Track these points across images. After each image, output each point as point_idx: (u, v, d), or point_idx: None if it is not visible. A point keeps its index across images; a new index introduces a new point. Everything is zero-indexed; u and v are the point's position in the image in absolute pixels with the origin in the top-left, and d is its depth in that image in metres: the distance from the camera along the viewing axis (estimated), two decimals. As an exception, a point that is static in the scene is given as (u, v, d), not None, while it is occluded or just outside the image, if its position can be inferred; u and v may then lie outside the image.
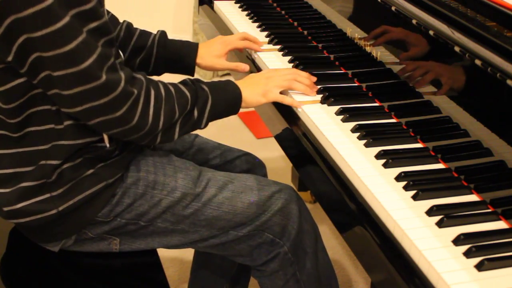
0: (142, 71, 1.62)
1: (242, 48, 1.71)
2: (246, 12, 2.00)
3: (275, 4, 2.05)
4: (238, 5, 2.06)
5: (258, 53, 1.70)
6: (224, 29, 1.97)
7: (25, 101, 1.22)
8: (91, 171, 1.28)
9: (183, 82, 1.36)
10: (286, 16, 1.97)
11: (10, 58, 1.14)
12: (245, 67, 1.63)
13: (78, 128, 1.25)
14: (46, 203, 1.26)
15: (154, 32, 1.62)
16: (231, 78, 1.66)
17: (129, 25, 1.60)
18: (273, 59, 1.68)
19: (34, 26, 1.09)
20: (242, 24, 1.92)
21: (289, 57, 1.68)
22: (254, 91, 1.42)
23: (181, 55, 1.61)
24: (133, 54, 1.59)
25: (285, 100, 1.44)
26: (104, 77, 1.16)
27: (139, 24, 1.58)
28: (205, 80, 1.39)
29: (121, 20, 1.59)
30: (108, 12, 1.56)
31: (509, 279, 0.98)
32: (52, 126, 1.24)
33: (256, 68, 1.69)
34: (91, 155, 1.28)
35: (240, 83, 1.43)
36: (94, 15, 1.15)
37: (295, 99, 1.44)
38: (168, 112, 1.27)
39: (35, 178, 1.25)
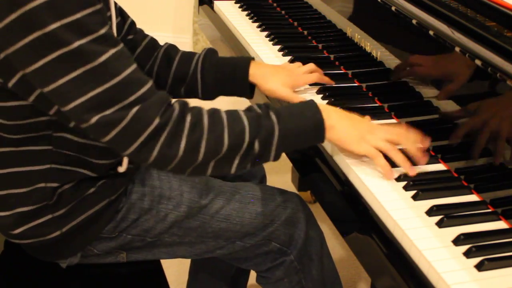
0: (191, 97, 1.48)
1: (311, 83, 1.52)
2: (246, 12, 2.00)
3: (275, 4, 2.04)
4: (238, 5, 2.06)
5: (257, 52, 1.69)
6: (224, 29, 1.97)
7: (26, 123, 1.18)
8: (92, 189, 1.25)
9: (248, 109, 1.19)
10: (286, 16, 1.96)
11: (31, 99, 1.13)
12: None
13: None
14: (49, 225, 1.24)
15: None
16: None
17: (168, 51, 1.48)
18: (272, 57, 1.67)
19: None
20: (242, 24, 1.92)
21: (289, 57, 1.67)
22: (350, 132, 1.20)
23: (232, 77, 1.45)
24: (176, 83, 1.47)
25: (380, 161, 1.18)
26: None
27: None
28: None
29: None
30: (147, 35, 1.49)
31: (509, 279, 0.98)
32: (50, 147, 1.21)
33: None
34: (90, 173, 1.25)
35: (331, 110, 1.21)
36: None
37: (389, 166, 1.18)
38: (211, 143, 1.11)
39: (34, 202, 1.22)
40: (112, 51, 1.05)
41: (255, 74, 1.45)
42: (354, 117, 1.25)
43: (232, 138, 1.12)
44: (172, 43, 1.54)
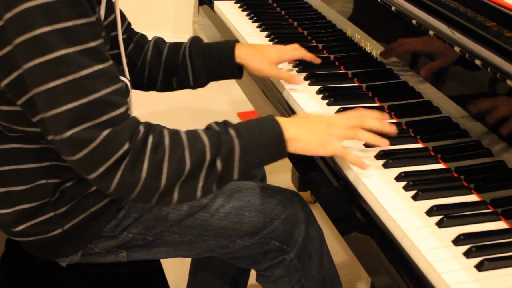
0: (184, 87, 1.54)
1: (295, 59, 1.58)
2: (246, 12, 2.00)
3: (275, 4, 2.04)
4: (238, 5, 2.06)
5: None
6: (224, 29, 1.97)
7: (22, 130, 1.18)
8: (94, 187, 1.25)
9: (207, 127, 1.17)
10: (286, 16, 1.96)
11: (19, 102, 1.11)
12: (300, 79, 1.49)
13: None
14: (50, 223, 1.24)
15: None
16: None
17: (157, 43, 1.51)
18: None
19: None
20: (242, 24, 1.92)
21: (289, 57, 1.67)
22: (311, 138, 1.19)
23: (219, 59, 1.49)
24: (168, 74, 1.50)
25: (349, 157, 1.19)
26: (68, 133, 1.03)
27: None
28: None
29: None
30: (137, 33, 1.52)
31: (509, 279, 0.98)
32: (50, 145, 1.20)
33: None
34: None
35: (288, 122, 1.19)
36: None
37: (359, 158, 1.19)
38: (174, 164, 1.08)
39: (35, 199, 1.23)
40: (96, 67, 1.04)
41: (241, 55, 1.49)
42: (311, 120, 1.23)
43: (194, 157, 1.09)
44: (172, 43, 1.56)
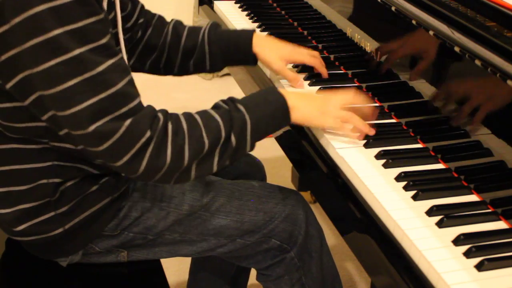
0: (200, 71, 1.58)
1: (308, 64, 1.56)
2: (246, 12, 2.00)
3: (275, 4, 2.04)
4: (238, 5, 2.06)
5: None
6: (224, 29, 1.97)
7: (24, 127, 1.18)
8: (95, 187, 1.26)
9: (215, 106, 1.24)
10: (286, 16, 1.96)
11: (26, 103, 1.12)
12: (302, 84, 1.50)
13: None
14: (51, 222, 1.24)
15: None
16: (230, 79, 1.62)
17: (176, 26, 1.54)
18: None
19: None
20: (242, 24, 1.92)
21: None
22: (310, 108, 1.27)
23: (236, 46, 1.52)
24: (186, 57, 1.53)
25: (344, 129, 1.29)
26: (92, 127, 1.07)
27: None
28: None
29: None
30: (154, 14, 1.55)
31: (509, 279, 0.98)
32: (52, 145, 1.21)
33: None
34: (93, 170, 1.25)
35: (289, 92, 1.28)
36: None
37: (355, 131, 1.29)
38: (194, 145, 1.15)
39: (36, 198, 1.23)
40: (110, 62, 1.08)
41: (257, 44, 1.52)
42: (310, 94, 1.35)
43: (211, 137, 1.16)
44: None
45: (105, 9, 1.16)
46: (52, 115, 1.10)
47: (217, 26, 1.55)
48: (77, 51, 1.04)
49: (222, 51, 1.53)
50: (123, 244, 1.34)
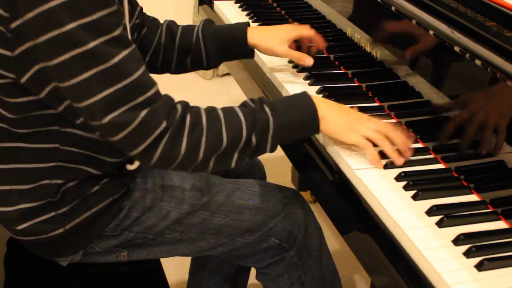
0: (197, 69, 1.60)
1: (306, 38, 1.58)
2: (246, 12, 2.00)
3: (275, 4, 2.05)
4: (238, 5, 2.06)
5: (257, 52, 1.69)
6: (224, 29, 1.97)
7: (33, 116, 1.19)
8: (96, 188, 1.26)
9: (242, 104, 1.23)
10: (286, 16, 1.96)
11: (42, 95, 1.15)
12: (310, 60, 1.51)
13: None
14: (52, 222, 1.25)
15: None
16: (230, 78, 1.63)
17: (170, 26, 1.54)
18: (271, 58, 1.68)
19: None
20: (242, 24, 1.92)
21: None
22: (340, 122, 1.23)
23: (231, 41, 1.53)
24: (182, 56, 1.54)
25: (370, 150, 1.21)
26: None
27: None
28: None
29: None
30: (149, 16, 1.55)
31: (509, 279, 0.98)
32: (57, 145, 1.22)
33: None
34: (96, 171, 1.26)
35: (322, 101, 1.24)
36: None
37: (378, 156, 1.21)
38: (211, 140, 1.15)
39: (38, 198, 1.23)
40: (124, 53, 1.08)
41: (253, 36, 1.52)
42: (344, 108, 1.28)
43: (230, 135, 1.16)
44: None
45: (117, 0, 1.17)
46: (68, 105, 1.13)
47: (210, 23, 1.56)
48: (92, 44, 1.04)
49: (218, 46, 1.53)
50: (124, 244, 1.34)
